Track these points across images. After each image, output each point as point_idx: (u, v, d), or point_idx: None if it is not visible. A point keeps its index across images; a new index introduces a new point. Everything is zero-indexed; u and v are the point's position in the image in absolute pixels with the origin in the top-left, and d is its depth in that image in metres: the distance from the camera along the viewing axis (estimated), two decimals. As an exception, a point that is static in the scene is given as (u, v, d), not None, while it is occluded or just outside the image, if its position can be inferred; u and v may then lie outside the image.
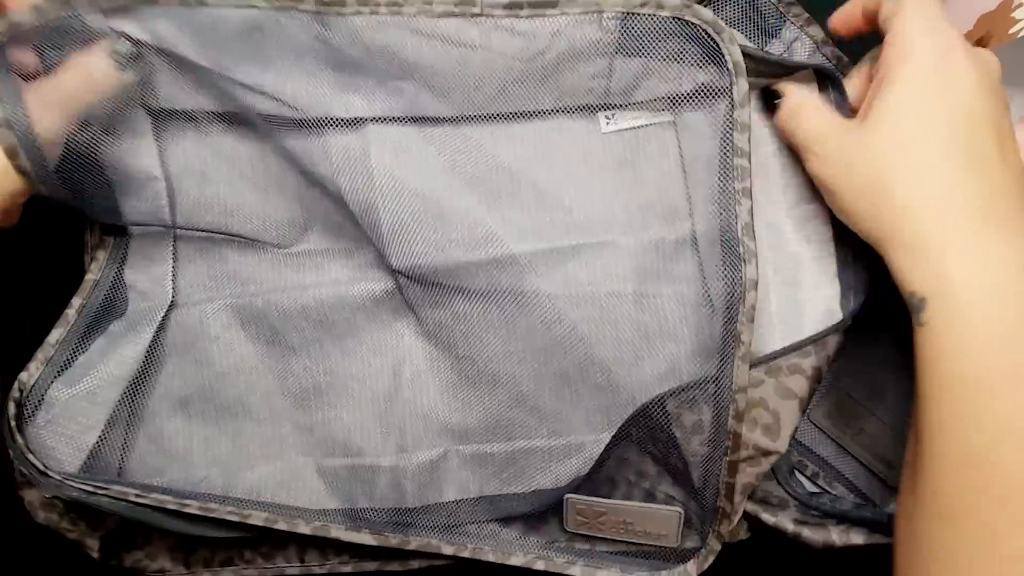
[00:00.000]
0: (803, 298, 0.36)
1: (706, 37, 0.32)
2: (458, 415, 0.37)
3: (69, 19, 0.31)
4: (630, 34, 0.33)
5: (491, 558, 0.34)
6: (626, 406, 0.36)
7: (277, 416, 0.38)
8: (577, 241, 0.36)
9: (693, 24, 0.32)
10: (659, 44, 0.33)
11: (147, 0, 0.32)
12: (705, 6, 0.37)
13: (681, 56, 0.33)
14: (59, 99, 0.32)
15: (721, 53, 0.32)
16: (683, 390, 0.33)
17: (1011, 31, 0.33)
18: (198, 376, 0.38)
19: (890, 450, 0.33)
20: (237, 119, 0.36)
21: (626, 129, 0.37)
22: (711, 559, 0.33)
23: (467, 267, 0.36)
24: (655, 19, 0.32)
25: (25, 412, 0.33)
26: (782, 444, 0.32)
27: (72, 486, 0.32)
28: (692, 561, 0.33)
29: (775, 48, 0.38)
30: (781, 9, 0.38)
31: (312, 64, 0.34)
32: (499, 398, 0.37)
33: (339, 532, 0.34)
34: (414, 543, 0.34)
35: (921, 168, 0.28)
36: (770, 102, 0.35)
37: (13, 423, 0.33)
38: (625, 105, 0.36)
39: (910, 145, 0.28)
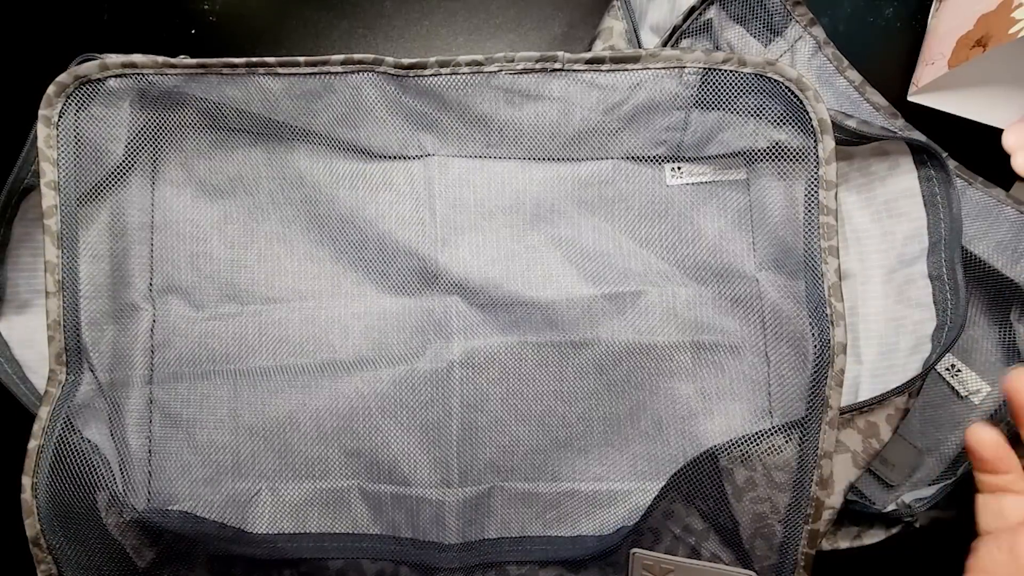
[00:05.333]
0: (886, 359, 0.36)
1: (789, 94, 0.32)
2: (506, 452, 0.37)
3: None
4: (710, 89, 0.33)
5: None
6: (676, 457, 0.36)
7: (325, 436, 0.37)
8: (636, 288, 0.36)
9: (776, 81, 0.32)
10: (738, 100, 0.33)
11: (200, 74, 0.33)
12: (714, 2, 0.37)
13: (759, 112, 0.33)
14: None
15: (805, 111, 0.32)
16: (737, 444, 0.32)
17: (1011, 31, 0.33)
18: (249, 389, 0.37)
19: (891, 451, 0.33)
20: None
21: (691, 183, 0.37)
22: None
23: (525, 304, 0.36)
24: (737, 75, 0.32)
25: None
26: (836, 497, 0.32)
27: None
28: None
29: (778, 46, 0.37)
30: (787, 7, 0.38)
31: (384, 114, 0.35)
32: (548, 437, 0.36)
33: None
34: None
35: None
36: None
37: None
38: (694, 159, 0.37)
39: None
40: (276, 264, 0.37)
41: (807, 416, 0.31)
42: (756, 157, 0.35)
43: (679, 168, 0.37)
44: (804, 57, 0.37)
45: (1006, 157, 0.36)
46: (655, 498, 0.33)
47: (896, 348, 0.35)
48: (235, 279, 0.37)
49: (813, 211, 0.32)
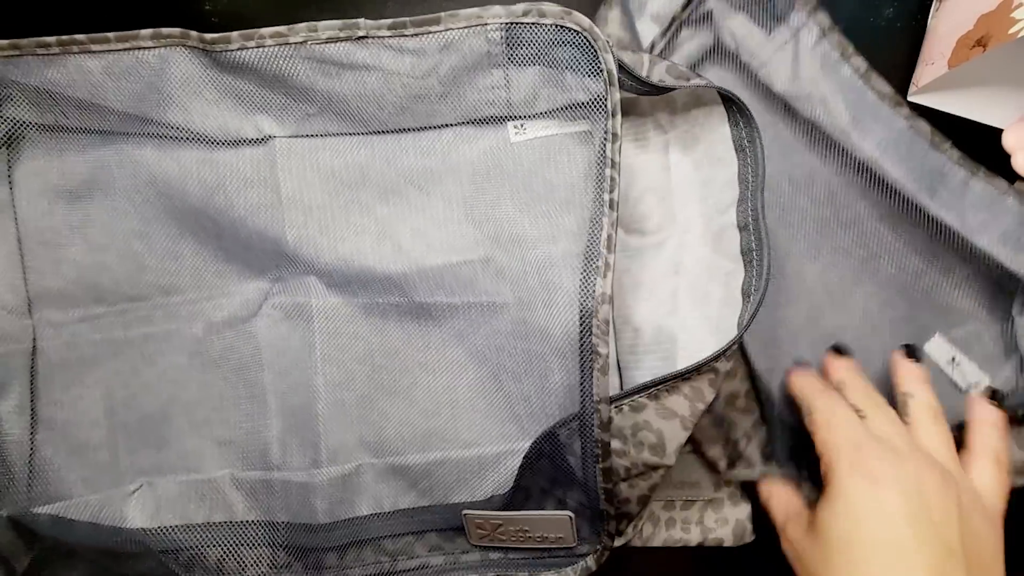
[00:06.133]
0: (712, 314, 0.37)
1: (587, 44, 0.31)
2: (374, 428, 0.37)
3: None
4: (517, 44, 0.33)
5: None
6: (538, 415, 0.36)
7: (198, 427, 0.38)
8: (486, 254, 0.36)
9: (575, 31, 0.31)
10: (549, 52, 0.33)
11: (33, 51, 0.33)
12: None
13: (574, 65, 0.33)
14: None
15: (598, 61, 0.31)
16: (571, 420, 0.33)
17: (1011, 31, 0.33)
18: (122, 387, 0.38)
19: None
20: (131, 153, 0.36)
21: (536, 138, 0.36)
22: (607, 555, 0.35)
23: (379, 279, 0.36)
24: (539, 27, 0.32)
25: None
26: (669, 459, 0.32)
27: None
28: (591, 556, 0.35)
29: (781, 34, 0.37)
30: None
31: (213, 94, 0.34)
32: (415, 409, 0.37)
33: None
34: None
35: None
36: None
37: None
38: (533, 116, 0.36)
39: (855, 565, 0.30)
40: (137, 262, 0.37)
41: (581, 366, 0.32)
42: (582, 109, 0.34)
43: (522, 126, 0.36)
44: (808, 44, 0.36)
45: (1007, 157, 0.36)
46: (516, 476, 0.34)
47: (709, 298, 0.36)
48: (99, 280, 0.37)
49: (601, 164, 0.31)
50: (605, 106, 0.31)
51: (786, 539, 0.34)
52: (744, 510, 0.39)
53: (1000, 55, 0.35)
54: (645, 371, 0.39)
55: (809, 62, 0.37)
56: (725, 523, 0.39)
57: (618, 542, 0.34)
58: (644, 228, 0.39)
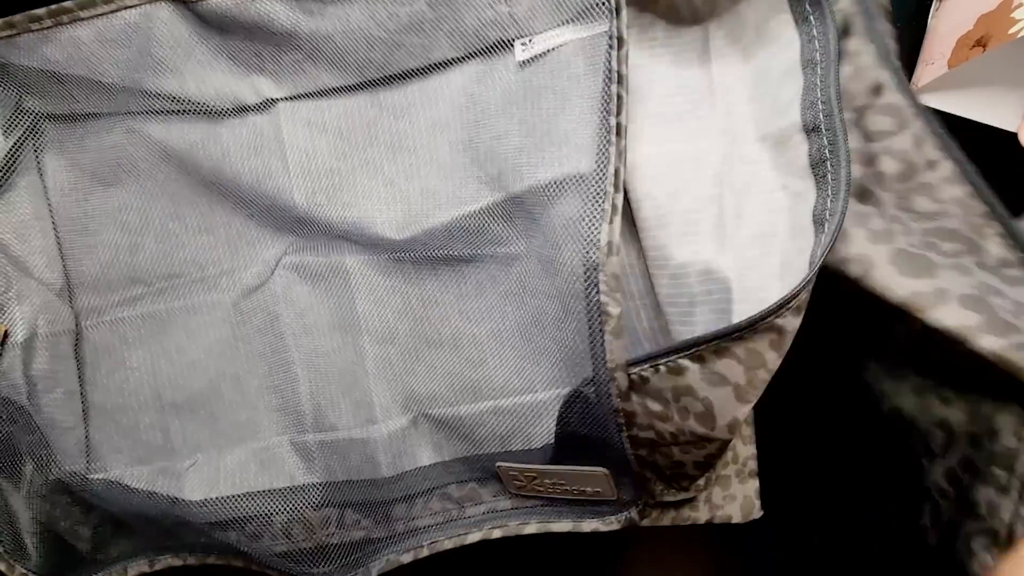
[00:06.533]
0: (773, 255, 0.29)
1: None
2: (423, 380, 0.37)
3: None
4: None
5: (449, 545, 0.35)
6: (584, 357, 0.31)
7: (249, 399, 0.38)
8: (505, 195, 0.33)
9: None
10: None
11: (14, 28, 0.33)
12: None
13: None
14: None
15: None
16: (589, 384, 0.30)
17: (1011, 31, 0.33)
18: (168, 366, 0.38)
19: None
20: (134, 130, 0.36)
21: (546, 53, 0.31)
22: (653, 513, 0.34)
23: (393, 243, 0.36)
24: None
25: None
26: (721, 432, 0.28)
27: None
28: (634, 508, 0.34)
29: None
30: None
31: (205, 55, 0.34)
32: (462, 359, 0.36)
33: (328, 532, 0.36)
34: (374, 572, 0.35)
35: None
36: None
37: None
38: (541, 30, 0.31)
39: None
40: (173, 240, 0.38)
41: (590, 329, 0.28)
42: (600, 10, 0.29)
43: (530, 40, 0.31)
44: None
45: (1007, 156, 0.36)
46: (556, 422, 0.33)
47: (774, 233, 0.29)
48: (134, 261, 0.38)
49: (606, 79, 0.27)
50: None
51: None
52: (752, 486, 0.37)
53: (1000, 55, 0.35)
54: (697, 326, 0.32)
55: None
56: (733, 500, 0.37)
57: (682, 496, 0.33)
58: (672, 138, 0.32)
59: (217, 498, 0.36)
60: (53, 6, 0.33)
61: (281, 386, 0.38)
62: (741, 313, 0.30)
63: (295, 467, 0.37)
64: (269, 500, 0.36)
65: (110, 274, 0.38)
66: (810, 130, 0.27)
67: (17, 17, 0.33)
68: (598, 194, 0.27)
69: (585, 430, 0.32)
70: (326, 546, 0.37)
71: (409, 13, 0.31)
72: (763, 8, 0.29)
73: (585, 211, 0.27)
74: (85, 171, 0.37)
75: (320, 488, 0.37)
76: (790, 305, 0.25)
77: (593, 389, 0.29)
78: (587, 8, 0.29)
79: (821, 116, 0.27)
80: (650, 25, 0.32)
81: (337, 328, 0.37)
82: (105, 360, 0.38)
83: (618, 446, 0.30)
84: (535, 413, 0.35)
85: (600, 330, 0.27)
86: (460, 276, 0.36)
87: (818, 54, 0.27)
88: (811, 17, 0.27)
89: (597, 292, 0.27)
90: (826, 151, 0.26)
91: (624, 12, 0.26)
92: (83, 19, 0.33)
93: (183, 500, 0.36)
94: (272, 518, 0.36)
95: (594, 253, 0.26)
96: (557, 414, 0.32)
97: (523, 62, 0.31)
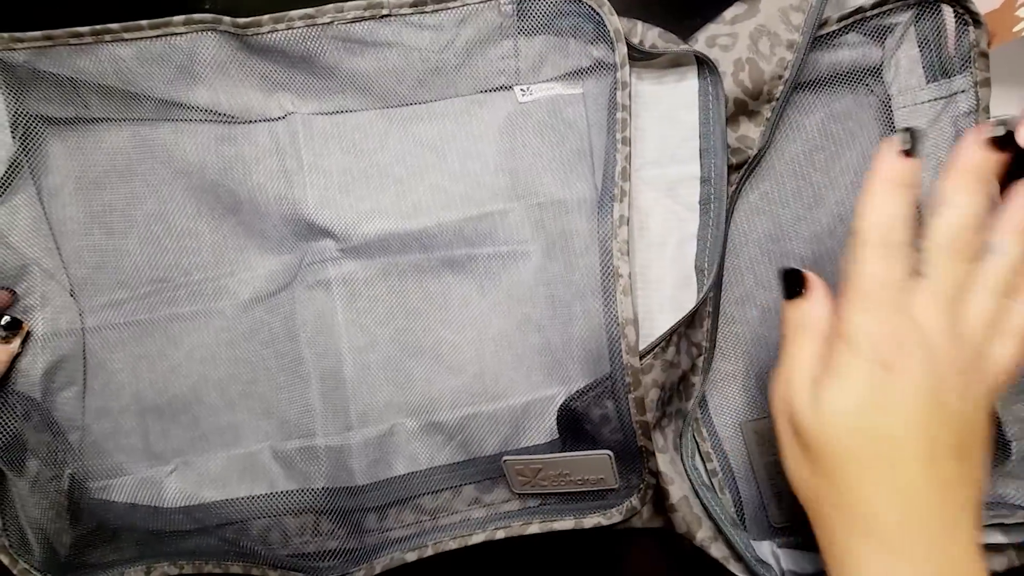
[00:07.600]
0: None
1: (593, 13, 0.34)
2: (402, 388, 0.38)
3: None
4: (527, 15, 0.35)
5: (453, 545, 0.36)
6: (563, 362, 0.37)
7: (232, 404, 0.38)
8: (504, 205, 0.37)
9: (580, 2, 0.34)
10: (556, 23, 0.36)
11: (66, 42, 0.34)
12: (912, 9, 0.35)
13: (577, 33, 0.36)
14: None
15: (605, 25, 0.34)
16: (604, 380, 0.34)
17: (1015, 29, 0.33)
18: (148, 371, 0.38)
19: (788, 494, 0.30)
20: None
21: (542, 97, 0.38)
22: (651, 492, 0.36)
23: (398, 237, 0.37)
24: (547, 0, 0.35)
25: None
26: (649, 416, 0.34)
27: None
28: (635, 495, 0.36)
29: (940, 88, 0.36)
30: (973, 54, 0.34)
31: (239, 73, 0.36)
32: (442, 367, 0.37)
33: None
34: (379, 567, 0.35)
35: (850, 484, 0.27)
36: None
37: None
38: (538, 81, 0.39)
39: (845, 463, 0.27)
40: (157, 245, 0.38)
41: (604, 289, 0.33)
42: (585, 74, 0.38)
43: (528, 88, 0.39)
44: (959, 111, 0.35)
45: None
46: (557, 418, 0.36)
47: (665, 242, 0.37)
48: (120, 265, 0.38)
49: (613, 108, 0.34)
50: (608, 66, 0.35)
51: (782, 396, 0.29)
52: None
53: (1003, 54, 0.34)
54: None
55: (948, 127, 0.36)
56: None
57: (666, 454, 0.35)
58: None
59: (198, 504, 0.36)
60: (98, 26, 0.33)
61: (264, 393, 0.38)
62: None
63: (276, 473, 0.38)
64: (248, 505, 0.37)
65: (96, 277, 0.38)
66: (703, 180, 0.38)
67: (58, 32, 0.33)
68: (610, 184, 0.33)
69: (589, 408, 0.35)
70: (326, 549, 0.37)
71: (438, 60, 0.36)
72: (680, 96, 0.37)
73: (600, 195, 0.34)
74: (76, 174, 0.37)
75: (299, 495, 0.37)
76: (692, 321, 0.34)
77: (608, 350, 0.33)
78: (583, 71, 0.37)
79: (713, 173, 0.37)
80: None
81: (319, 335, 0.38)
82: (90, 363, 0.38)
83: (624, 413, 0.33)
84: (513, 416, 0.37)
85: (613, 289, 0.33)
86: (446, 289, 0.38)
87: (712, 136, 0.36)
88: (711, 107, 0.36)
89: (611, 258, 0.33)
90: (712, 197, 0.37)
91: (628, 66, 0.34)
92: (126, 40, 0.34)
93: (163, 508, 0.36)
94: (250, 523, 0.36)
95: (608, 224, 0.33)
96: (558, 412, 0.34)
97: (523, 103, 0.38)
